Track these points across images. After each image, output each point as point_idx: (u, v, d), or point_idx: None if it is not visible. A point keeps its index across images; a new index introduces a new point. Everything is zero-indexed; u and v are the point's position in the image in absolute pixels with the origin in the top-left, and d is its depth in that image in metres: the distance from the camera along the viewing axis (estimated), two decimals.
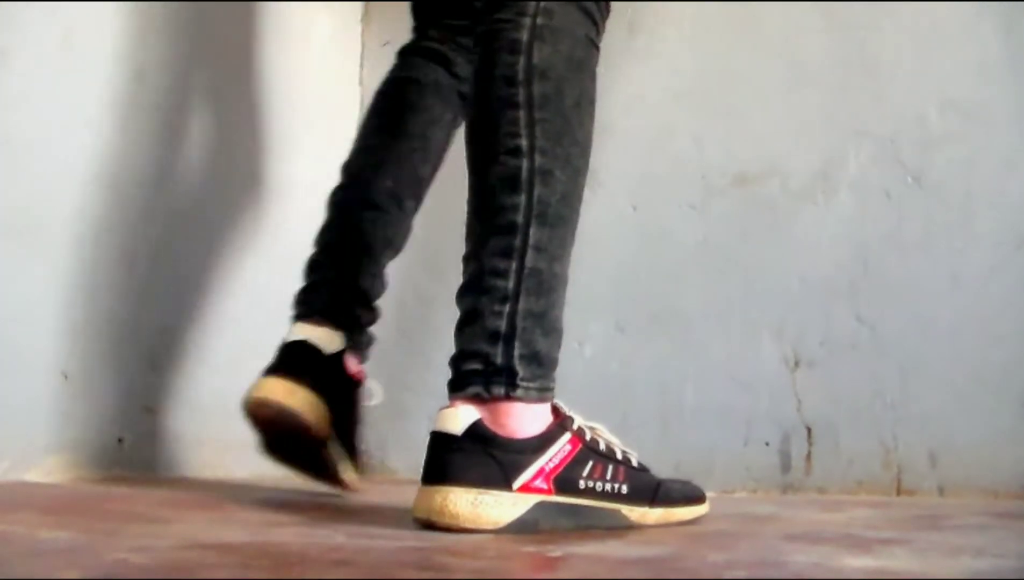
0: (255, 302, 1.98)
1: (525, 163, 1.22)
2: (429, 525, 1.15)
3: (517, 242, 1.21)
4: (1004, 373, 1.88)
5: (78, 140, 1.62)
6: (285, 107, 2.06)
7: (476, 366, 1.20)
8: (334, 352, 1.53)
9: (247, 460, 1.90)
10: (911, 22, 2.02)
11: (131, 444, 1.67)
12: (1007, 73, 1.97)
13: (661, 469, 1.97)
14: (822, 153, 2.03)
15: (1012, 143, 1.95)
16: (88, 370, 1.61)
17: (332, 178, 1.62)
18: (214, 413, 1.87)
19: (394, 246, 1.67)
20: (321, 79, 2.16)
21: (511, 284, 1.21)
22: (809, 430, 1.96)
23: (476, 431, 1.17)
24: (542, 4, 1.24)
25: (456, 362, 1.22)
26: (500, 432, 1.18)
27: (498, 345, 1.20)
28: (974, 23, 1.99)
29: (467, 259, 1.25)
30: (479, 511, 1.15)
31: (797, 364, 1.98)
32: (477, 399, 1.19)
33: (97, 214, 1.64)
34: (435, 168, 1.71)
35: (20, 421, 1.50)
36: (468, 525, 1.14)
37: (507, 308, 1.20)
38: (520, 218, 1.21)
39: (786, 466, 1.96)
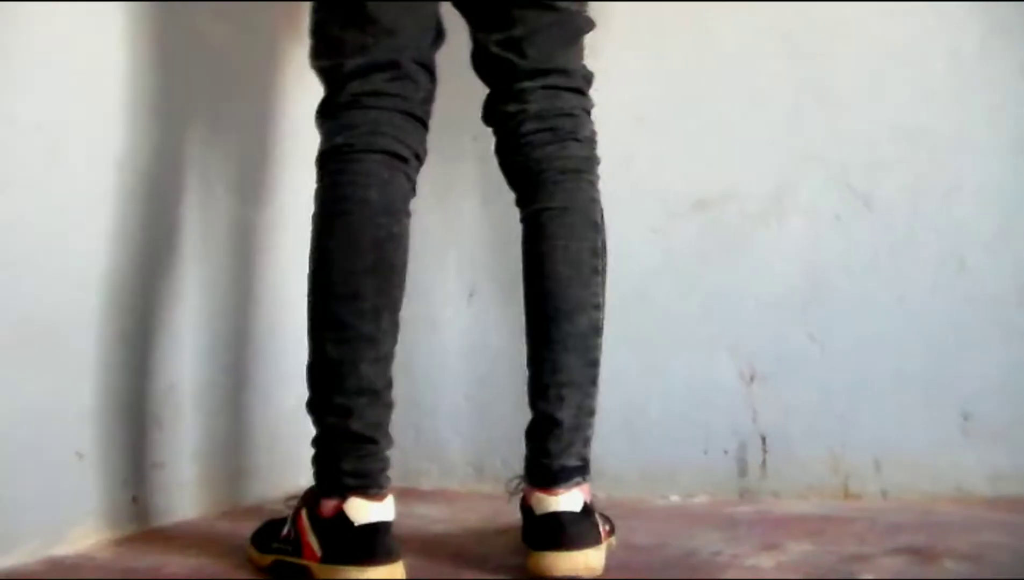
0: (249, 350, 2.11)
1: (601, 315, 1.60)
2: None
3: (597, 373, 1.60)
4: (944, 387, 2.03)
5: (72, 246, 1.70)
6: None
7: (577, 463, 1.56)
8: None
9: (248, 490, 2.10)
10: (865, 49, 2.11)
11: (143, 500, 1.82)
12: (952, 99, 2.08)
13: (628, 476, 2.17)
14: (776, 178, 2.13)
15: (956, 167, 2.07)
16: (100, 444, 1.72)
17: None
18: (216, 455, 2.02)
19: None
20: None
21: (595, 403, 1.60)
22: (764, 439, 2.11)
23: (587, 507, 1.53)
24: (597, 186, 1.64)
25: (559, 459, 1.55)
26: (589, 503, 1.54)
27: (588, 447, 1.59)
28: (922, 50, 2.09)
29: (563, 385, 1.56)
30: (602, 562, 1.51)
31: (752, 378, 2.12)
32: (578, 485, 1.54)
33: (93, 308, 1.73)
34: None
35: (43, 503, 1.61)
36: (599, 574, 1.50)
37: (592, 420, 1.59)
38: (599, 354, 1.60)
39: (743, 472, 2.11)
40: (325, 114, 1.55)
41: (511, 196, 1.67)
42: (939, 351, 2.04)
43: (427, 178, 1.60)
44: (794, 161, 2.13)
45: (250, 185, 2.13)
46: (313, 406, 1.50)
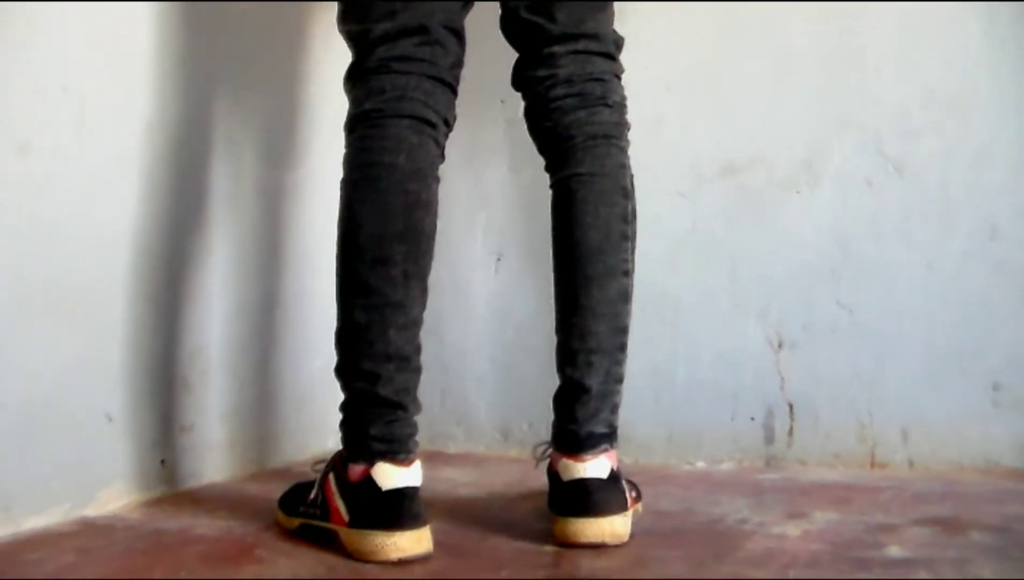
0: (277, 314, 2.13)
1: (631, 281, 1.59)
2: (595, 546, 1.48)
3: (627, 339, 1.59)
4: (973, 356, 2.02)
5: (100, 210, 1.71)
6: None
7: (605, 430, 1.56)
8: None
9: (276, 453, 2.12)
10: (896, 15, 2.08)
11: (172, 462, 1.84)
12: (986, 67, 2.05)
13: (654, 441, 2.17)
14: (807, 144, 2.11)
15: (988, 135, 2.04)
16: (129, 408, 1.74)
17: None
18: (244, 418, 2.03)
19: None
20: None
21: (623, 370, 1.59)
22: (791, 406, 2.10)
23: (613, 474, 1.53)
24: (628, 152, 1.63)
25: (587, 426, 1.55)
26: (616, 470, 1.55)
27: (616, 414, 1.58)
28: (958, 18, 2.06)
29: (592, 351, 1.55)
30: (628, 529, 1.52)
31: (780, 345, 2.11)
32: (605, 451, 1.54)
33: (121, 272, 1.74)
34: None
35: (74, 466, 1.62)
36: (625, 540, 1.51)
37: (620, 387, 1.59)
38: (629, 321, 1.59)
39: (770, 439, 2.11)
40: (353, 79, 1.55)
41: (539, 161, 1.66)
42: (969, 320, 2.03)
43: (454, 143, 1.59)
44: (825, 127, 2.11)
45: (278, 148, 2.13)
46: (341, 371, 1.50)
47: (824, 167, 2.10)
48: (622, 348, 1.59)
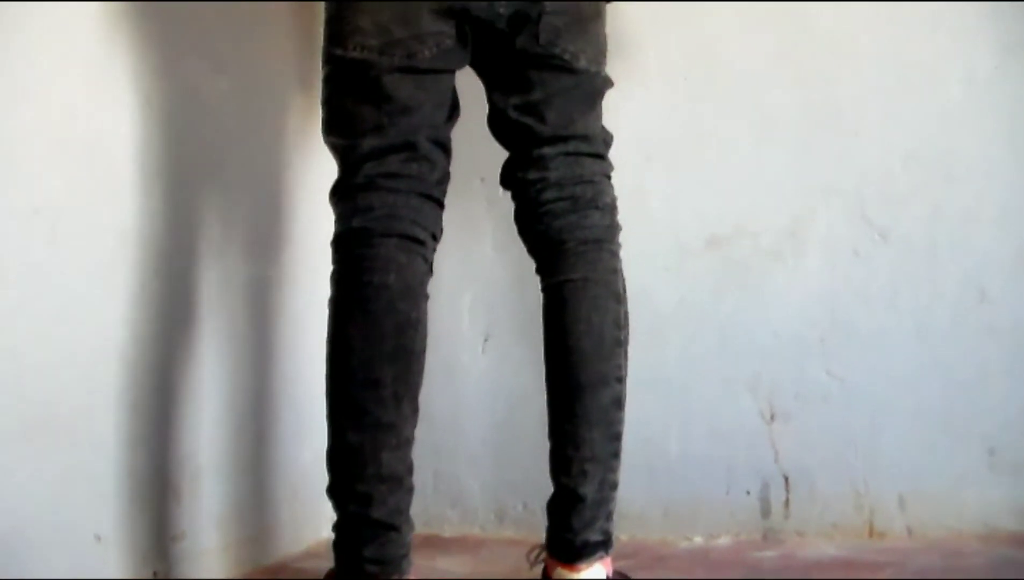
0: (266, 408, 2.10)
1: (624, 387, 1.59)
2: None
3: (620, 446, 1.58)
4: (967, 420, 2.01)
5: (81, 326, 1.68)
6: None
7: (600, 538, 1.55)
8: None
9: (271, 549, 2.09)
10: (874, 77, 2.07)
11: (163, 573, 1.81)
12: (968, 124, 2.04)
13: (650, 517, 2.16)
14: (791, 211, 2.10)
15: (973, 196, 2.04)
16: (119, 523, 1.70)
17: None
18: (236, 518, 2.00)
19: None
20: None
21: (618, 476, 1.58)
22: (786, 478, 2.09)
23: None
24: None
25: (582, 534, 1.54)
26: (611, 576, 1.57)
27: (611, 520, 1.58)
28: (936, 75, 2.04)
29: (586, 459, 1.54)
30: None
31: (773, 417, 2.10)
32: (601, 559, 1.55)
33: (105, 386, 1.71)
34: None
35: None
36: None
37: (615, 493, 1.58)
38: (622, 428, 1.59)
39: (766, 512, 2.09)
40: (340, 196, 1.54)
41: (520, 240, 1.66)
42: (961, 384, 2.02)
43: None
44: (808, 193, 2.10)
45: (260, 241, 2.11)
46: (333, 492, 1.49)
47: (809, 235, 2.10)
48: (616, 455, 1.58)
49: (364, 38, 1.49)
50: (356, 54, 1.49)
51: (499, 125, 1.63)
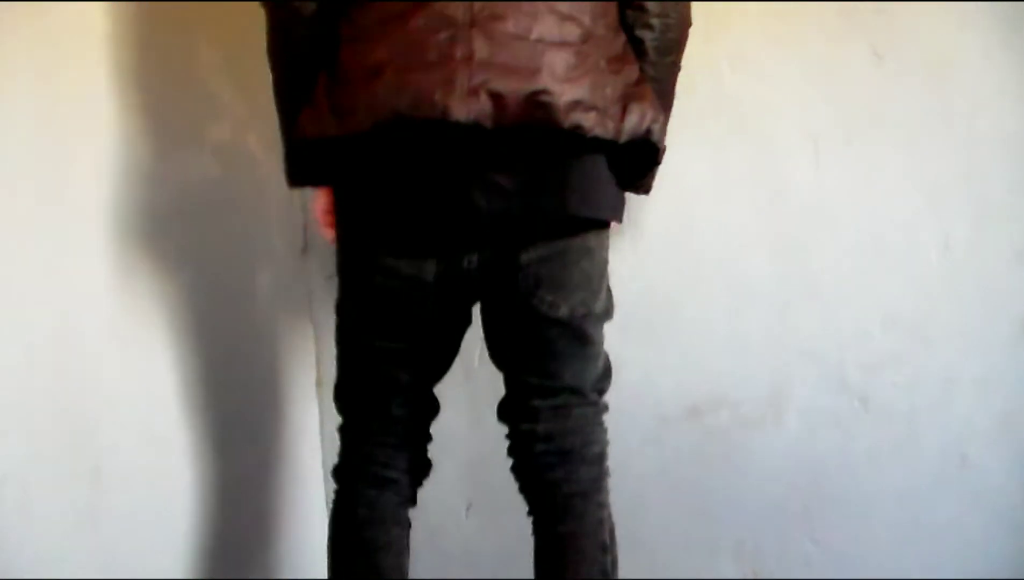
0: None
1: None
2: None
3: None
4: None
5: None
6: None
7: None
8: None
9: None
10: (852, 240, 2.04)
11: None
12: (945, 288, 2.01)
13: None
14: (769, 379, 2.08)
15: (953, 360, 2.01)
16: None
17: None
18: None
19: None
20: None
21: None
22: None
23: None
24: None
25: None
26: None
27: None
28: (913, 238, 2.01)
29: None
30: None
31: None
32: None
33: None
34: None
35: None
36: None
37: None
38: None
39: None
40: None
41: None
42: (943, 550, 2.02)
43: None
44: (786, 361, 2.07)
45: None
46: None
47: (788, 403, 2.08)
48: None
49: None
50: None
51: (493, 357, 1.71)
